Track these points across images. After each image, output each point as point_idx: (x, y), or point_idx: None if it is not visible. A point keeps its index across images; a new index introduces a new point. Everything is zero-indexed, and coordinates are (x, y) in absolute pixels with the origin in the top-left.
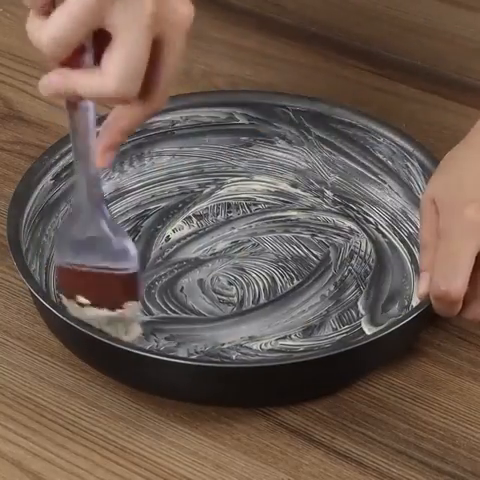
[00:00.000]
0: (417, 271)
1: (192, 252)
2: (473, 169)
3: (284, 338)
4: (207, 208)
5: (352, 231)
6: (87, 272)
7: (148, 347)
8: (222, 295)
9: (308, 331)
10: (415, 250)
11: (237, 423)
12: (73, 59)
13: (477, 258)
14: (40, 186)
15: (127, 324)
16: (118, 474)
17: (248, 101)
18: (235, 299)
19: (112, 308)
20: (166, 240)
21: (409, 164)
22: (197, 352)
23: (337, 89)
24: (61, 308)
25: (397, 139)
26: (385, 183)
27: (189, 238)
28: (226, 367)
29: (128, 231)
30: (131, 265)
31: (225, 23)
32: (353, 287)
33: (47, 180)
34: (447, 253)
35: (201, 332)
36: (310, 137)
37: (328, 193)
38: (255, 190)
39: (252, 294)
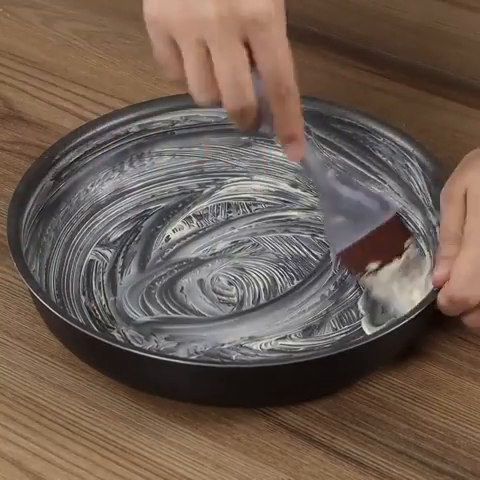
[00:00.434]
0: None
1: (192, 252)
2: None
3: (284, 338)
4: (207, 208)
5: None
6: (363, 240)
7: (148, 347)
8: (222, 295)
9: (308, 331)
10: None
11: (237, 423)
12: None
13: None
14: (40, 186)
15: (412, 278)
16: (118, 474)
17: None
18: (235, 299)
19: (399, 255)
20: (166, 240)
21: (409, 164)
22: (197, 352)
23: (337, 89)
24: (61, 308)
25: (397, 139)
26: (385, 183)
27: (189, 238)
28: (226, 367)
29: (128, 231)
30: (390, 208)
31: None
32: (353, 287)
33: (47, 180)
34: (469, 260)
35: (201, 332)
36: (310, 137)
37: None
38: (255, 190)
39: (252, 294)
